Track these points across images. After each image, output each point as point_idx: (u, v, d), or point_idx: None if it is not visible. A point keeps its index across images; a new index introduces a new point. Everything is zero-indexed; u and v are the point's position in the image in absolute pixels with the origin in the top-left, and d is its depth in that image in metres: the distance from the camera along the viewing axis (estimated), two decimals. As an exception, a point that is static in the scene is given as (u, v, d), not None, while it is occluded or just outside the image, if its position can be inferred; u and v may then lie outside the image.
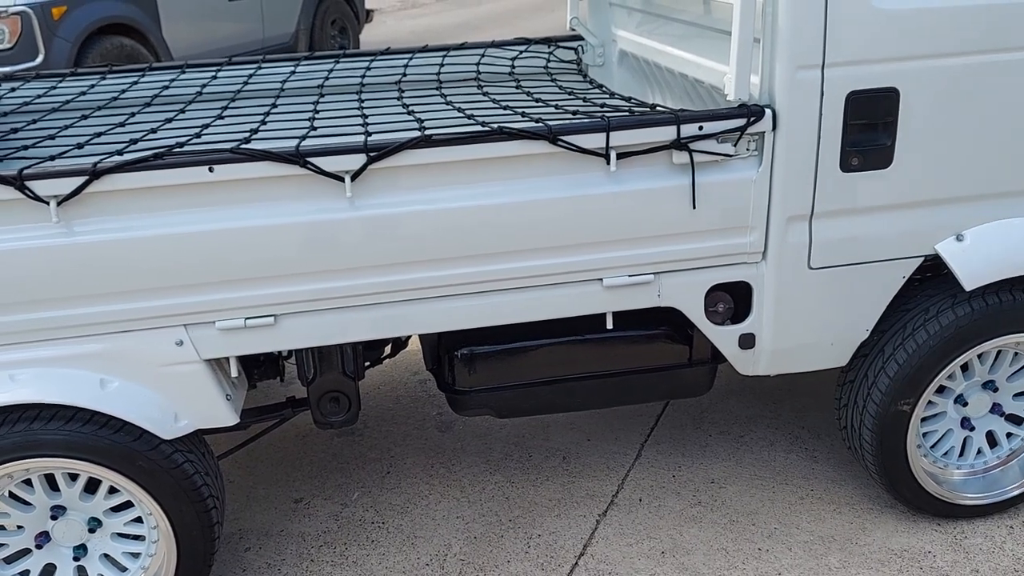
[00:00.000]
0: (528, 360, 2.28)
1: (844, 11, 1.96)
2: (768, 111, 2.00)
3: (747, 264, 2.14)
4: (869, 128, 2.05)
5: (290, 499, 2.71)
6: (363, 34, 9.53)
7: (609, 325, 2.17)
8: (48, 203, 1.78)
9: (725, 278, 2.15)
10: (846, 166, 2.06)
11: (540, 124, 1.98)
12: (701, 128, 1.98)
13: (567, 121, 2.05)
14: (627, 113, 2.16)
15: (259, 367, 2.41)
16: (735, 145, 2.02)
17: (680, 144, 1.98)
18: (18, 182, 1.75)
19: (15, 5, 5.91)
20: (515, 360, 2.28)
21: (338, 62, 3.13)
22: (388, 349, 2.65)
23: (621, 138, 1.97)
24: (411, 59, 3.15)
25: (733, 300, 2.21)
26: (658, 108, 2.23)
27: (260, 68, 3.04)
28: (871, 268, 2.18)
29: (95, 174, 1.78)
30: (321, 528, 2.57)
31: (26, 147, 2.07)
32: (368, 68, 3.07)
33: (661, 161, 2.02)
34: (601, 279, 2.09)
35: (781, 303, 2.16)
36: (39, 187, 1.77)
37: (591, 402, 2.36)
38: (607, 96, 2.59)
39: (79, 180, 1.78)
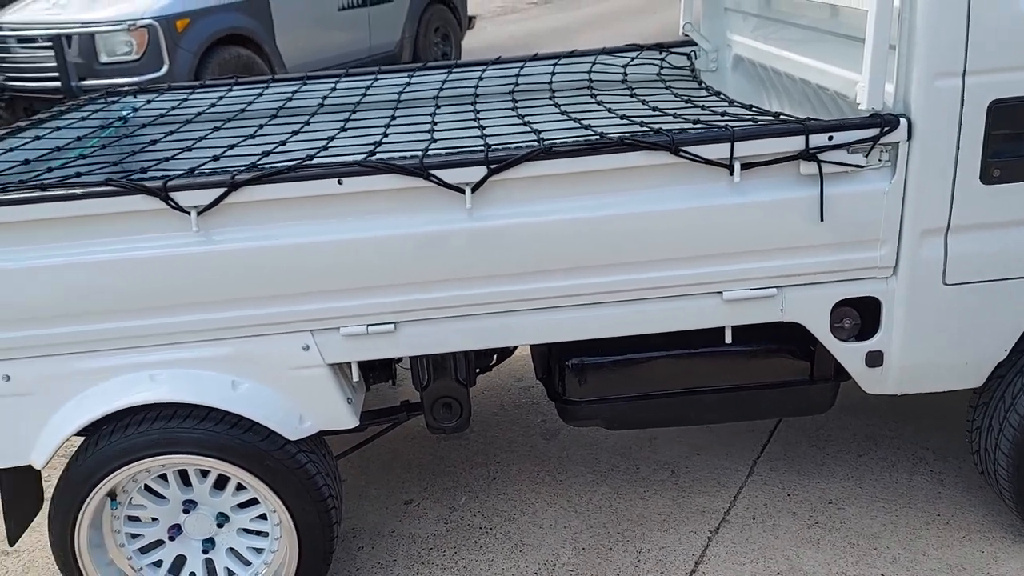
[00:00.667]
0: (641, 372, 2.26)
1: (987, 16, 1.86)
2: (903, 121, 1.92)
3: (876, 279, 2.06)
4: (1012, 138, 1.94)
5: (400, 500, 2.76)
6: (464, 40, 9.66)
7: (728, 339, 2.13)
8: (189, 213, 1.88)
9: (852, 293, 2.07)
10: (987, 178, 1.96)
11: (661, 134, 1.96)
12: (831, 138, 1.92)
13: (688, 130, 2.02)
14: (750, 122, 2.11)
15: (373, 371, 2.47)
16: (867, 156, 1.94)
17: (809, 155, 1.92)
18: (163, 193, 1.85)
19: (143, 18, 6.26)
20: (628, 372, 2.26)
21: (451, 72, 3.18)
22: (496, 357, 2.67)
23: (746, 148, 1.92)
24: (522, 68, 3.17)
25: (860, 316, 2.13)
26: (783, 116, 2.17)
27: (376, 79, 3.12)
28: (1012, 285, 2.06)
29: (233, 186, 1.86)
30: (431, 531, 2.62)
31: (167, 159, 2.18)
32: (480, 78, 3.10)
33: (787, 172, 1.96)
34: (721, 292, 2.05)
35: (912, 320, 2.07)
36: (182, 198, 1.87)
37: (706, 417, 2.31)
38: (726, 103, 2.54)
39: (218, 191, 1.86)
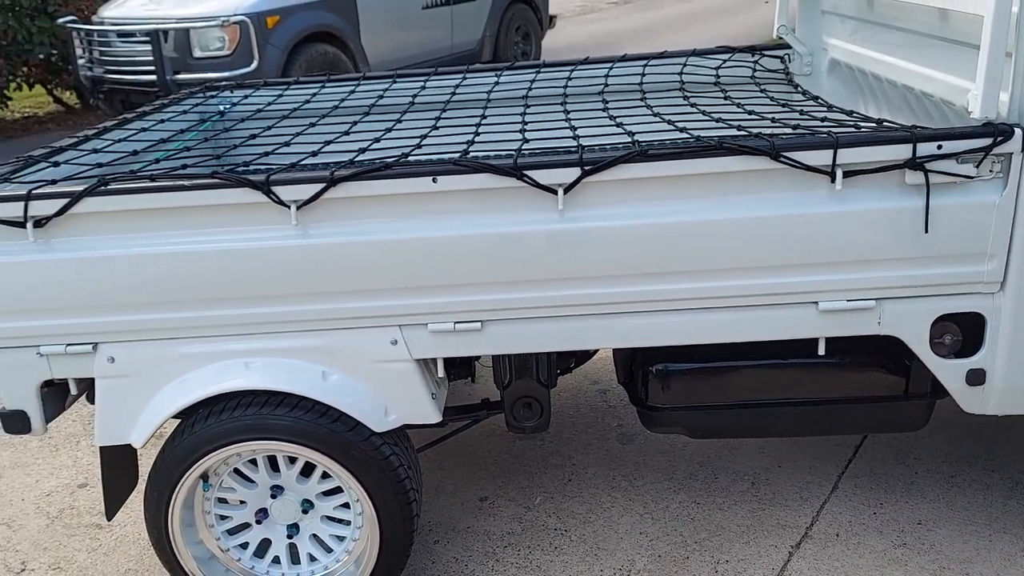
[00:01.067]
0: (728, 381, 2.22)
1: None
2: (1018, 131, 1.84)
3: (982, 294, 1.98)
4: None
5: (476, 497, 2.78)
6: (544, 39, 9.66)
7: (821, 351, 2.07)
8: (289, 207, 1.92)
9: (955, 308, 1.99)
10: (1107, 192, 1.86)
11: (761, 138, 1.92)
12: (940, 147, 1.85)
13: (788, 135, 1.97)
14: (853, 128, 2.05)
15: (454, 367, 2.49)
16: (977, 166, 1.87)
17: (916, 164, 1.85)
18: (265, 187, 1.90)
19: (235, 15, 6.45)
20: (714, 380, 2.22)
21: (539, 72, 3.18)
22: (574, 359, 2.67)
23: (849, 155, 1.87)
24: (612, 68, 3.15)
25: (962, 332, 2.04)
26: (886, 123, 2.10)
27: (465, 78, 3.14)
28: None
29: (332, 181, 1.90)
30: (505, 529, 2.62)
31: (266, 154, 2.24)
32: (569, 78, 3.09)
33: (891, 181, 1.90)
34: (816, 302, 2.00)
35: (1019, 338, 1.98)
36: (283, 192, 1.91)
37: (793, 430, 2.26)
38: (825, 108, 2.47)
39: (318, 187, 1.90)
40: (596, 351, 2.70)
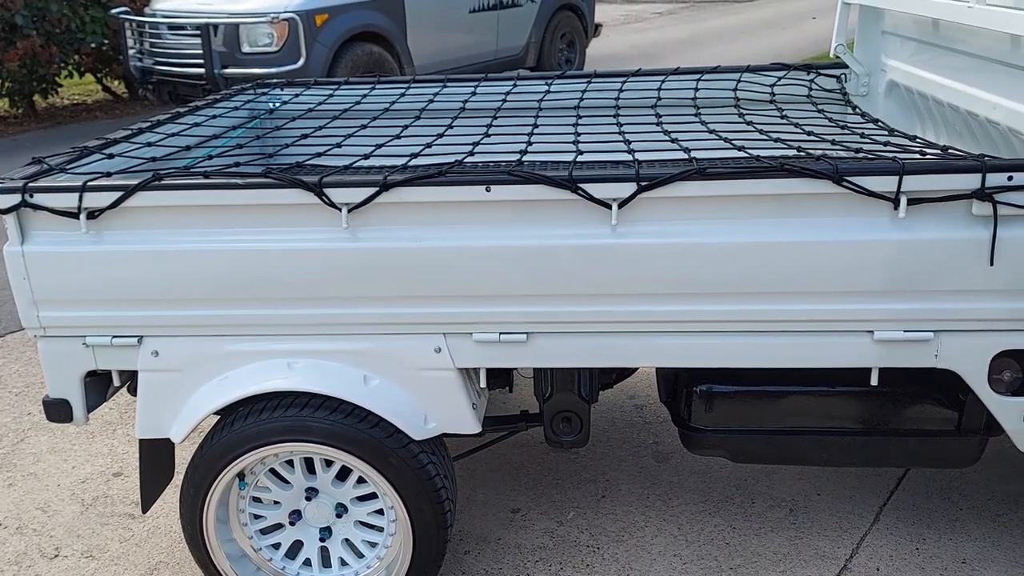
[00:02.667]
0: (774, 406, 2.17)
1: None
2: (1093, 165, 1.77)
3: (1046, 331, 1.91)
4: None
5: (508, 508, 2.75)
6: (589, 48, 9.63)
7: (874, 381, 2.02)
8: (340, 209, 1.91)
9: (1017, 344, 1.93)
10: None
11: (824, 161, 1.87)
12: (1010, 179, 1.79)
13: (851, 159, 1.92)
14: (917, 154, 1.99)
15: (493, 377, 2.47)
16: (1049, 200, 1.80)
17: (984, 194, 1.80)
18: (318, 189, 1.89)
19: (285, 12, 6.50)
20: (760, 404, 2.17)
21: (591, 81, 3.15)
22: (615, 374, 2.63)
23: (915, 183, 1.81)
24: (664, 81, 3.11)
25: (1022, 369, 1.98)
26: (951, 151, 2.04)
27: (516, 85, 3.12)
28: None
29: (385, 186, 1.89)
30: (537, 543, 2.59)
31: (319, 155, 2.24)
32: (621, 89, 3.06)
33: (957, 211, 1.84)
34: (872, 331, 1.94)
35: (1083, 380, 1.91)
36: (335, 194, 1.91)
37: (838, 460, 2.20)
38: (886, 132, 2.41)
39: (370, 191, 1.89)
40: (637, 367, 2.66)
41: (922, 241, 1.85)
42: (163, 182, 1.93)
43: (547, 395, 2.30)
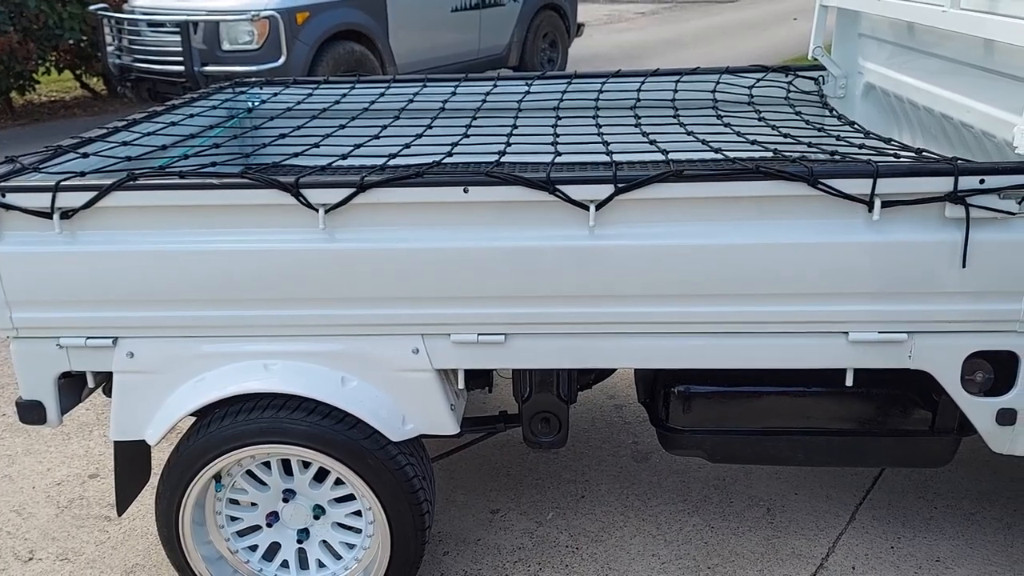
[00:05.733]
0: (751, 407, 2.18)
1: None
2: (1065, 168, 1.80)
3: (1017, 332, 1.93)
4: None
5: (487, 509, 2.75)
6: (571, 47, 9.64)
7: (849, 382, 2.03)
8: (317, 210, 1.90)
9: (989, 345, 1.95)
10: None
11: (799, 164, 1.88)
12: (982, 181, 1.81)
13: (826, 162, 1.93)
14: (892, 157, 2.01)
15: (473, 377, 2.47)
16: (1020, 203, 1.83)
17: (956, 197, 1.82)
18: (295, 189, 1.88)
19: (266, 9, 6.46)
20: (737, 405, 2.19)
21: (571, 82, 3.15)
22: (594, 375, 2.63)
23: (889, 186, 1.83)
24: (644, 82, 3.12)
25: (994, 370, 2.00)
26: (925, 154, 2.06)
27: (496, 86, 3.12)
28: None
29: (362, 187, 1.88)
30: (516, 543, 2.59)
31: (297, 155, 2.23)
32: (601, 90, 3.07)
33: (930, 213, 1.86)
34: (847, 332, 1.96)
35: (1054, 380, 1.94)
36: (312, 195, 1.90)
37: (814, 459, 2.22)
38: (862, 135, 2.43)
39: (348, 191, 1.88)
40: (616, 368, 2.67)
41: (896, 243, 1.87)
42: (138, 182, 1.92)
43: (526, 396, 2.31)
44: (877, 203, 1.84)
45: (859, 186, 1.84)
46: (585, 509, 2.73)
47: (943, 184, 1.82)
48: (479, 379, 2.47)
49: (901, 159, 1.99)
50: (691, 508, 2.72)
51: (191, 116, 2.76)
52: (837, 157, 2.01)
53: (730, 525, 2.63)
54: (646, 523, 2.66)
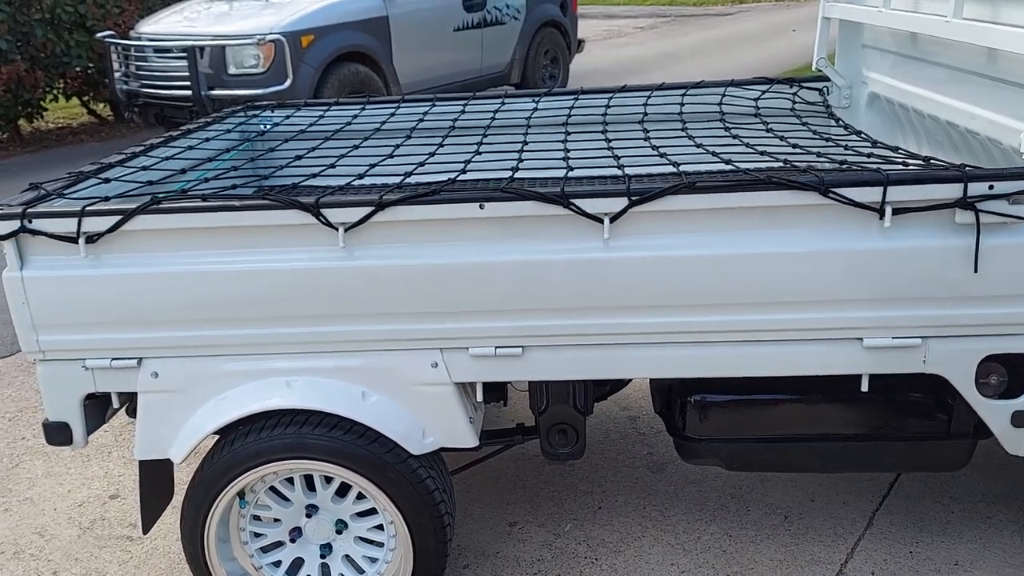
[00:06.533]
0: (767, 414, 2.20)
1: None
2: (1071, 172, 1.83)
3: (1030, 335, 1.96)
4: None
5: (505, 522, 2.77)
6: (572, 63, 9.72)
7: (864, 388, 2.06)
8: (337, 229, 1.94)
9: (1003, 348, 1.98)
10: None
11: (810, 173, 1.92)
12: (992, 187, 1.84)
13: (837, 171, 1.97)
14: (900, 165, 2.04)
15: (489, 390, 2.49)
16: (1029, 207, 1.86)
17: (966, 203, 1.85)
18: (315, 209, 1.92)
19: (271, 33, 6.54)
20: (753, 413, 2.21)
21: (577, 98, 3.20)
22: (609, 386, 2.66)
23: (899, 193, 1.86)
24: (650, 96, 3.16)
25: (1008, 373, 2.02)
26: (933, 161, 2.09)
27: (504, 103, 3.17)
28: None
29: (380, 205, 1.92)
30: (535, 556, 2.61)
31: (314, 175, 2.27)
32: (608, 105, 3.11)
33: (941, 219, 1.89)
34: (861, 339, 1.98)
35: (1067, 381, 1.96)
36: (332, 214, 1.93)
37: (831, 466, 2.24)
38: (870, 144, 2.47)
39: (366, 210, 1.92)
40: (631, 379, 2.70)
41: (908, 249, 1.90)
42: (161, 205, 1.96)
43: (543, 408, 2.33)
44: (888, 211, 1.87)
45: (870, 194, 1.87)
46: (603, 520, 2.75)
47: (953, 191, 1.85)
48: (494, 392, 2.50)
49: (910, 167, 2.02)
50: (709, 517, 2.73)
51: (207, 140, 2.81)
52: (846, 166, 2.05)
53: (748, 533, 2.64)
54: (664, 533, 2.67)
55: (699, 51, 12.59)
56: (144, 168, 2.46)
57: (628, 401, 3.45)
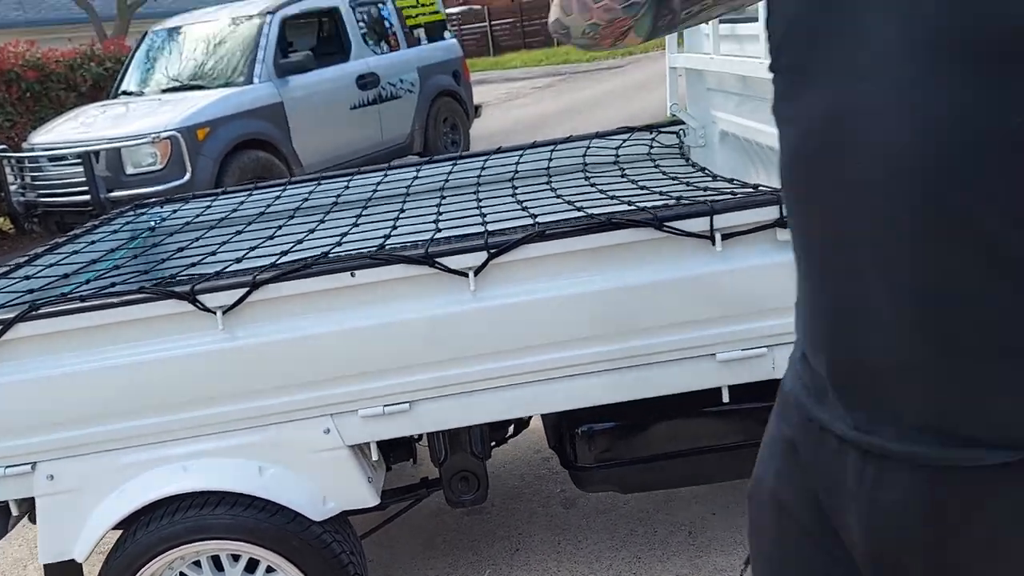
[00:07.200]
0: (646, 435, 2.35)
1: None
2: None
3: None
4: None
5: (426, 577, 2.83)
6: (472, 128, 10.04)
7: (725, 399, 2.23)
8: (215, 313, 2.04)
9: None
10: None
11: (645, 211, 2.11)
12: (802, 205, 2.06)
13: (671, 206, 2.18)
14: (730, 195, 2.26)
15: (394, 450, 2.59)
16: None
17: (783, 223, 2.06)
18: (191, 296, 2.02)
19: (166, 130, 6.63)
20: (633, 436, 2.36)
21: (455, 164, 3.39)
22: (511, 429, 2.78)
23: (725, 220, 2.07)
24: (522, 155, 3.37)
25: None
26: (760, 188, 2.32)
27: (386, 175, 3.33)
28: None
29: (255, 285, 2.03)
30: (457, 606, 2.68)
31: (193, 264, 2.37)
32: (483, 167, 3.31)
33: (766, 239, 2.10)
34: (714, 354, 2.17)
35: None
36: (208, 299, 2.03)
37: (715, 475, 2.40)
38: (709, 179, 2.70)
39: (241, 291, 2.03)
40: (531, 420, 2.82)
41: (741, 269, 2.10)
42: (40, 311, 2.03)
43: (442, 458, 2.44)
44: (718, 236, 2.08)
45: (700, 224, 2.07)
46: (520, 561, 2.84)
47: (772, 212, 2.07)
48: (401, 451, 2.59)
49: (737, 195, 2.24)
50: (619, 544, 2.85)
51: (92, 243, 2.88)
52: (681, 201, 2.25)
53: (656, 553, 2.77)
54: (579, 565, 2.78)
55: (594, 104, 13.13)
56: (27, 278, 2.51)
57: (540, 443, 3.57)
